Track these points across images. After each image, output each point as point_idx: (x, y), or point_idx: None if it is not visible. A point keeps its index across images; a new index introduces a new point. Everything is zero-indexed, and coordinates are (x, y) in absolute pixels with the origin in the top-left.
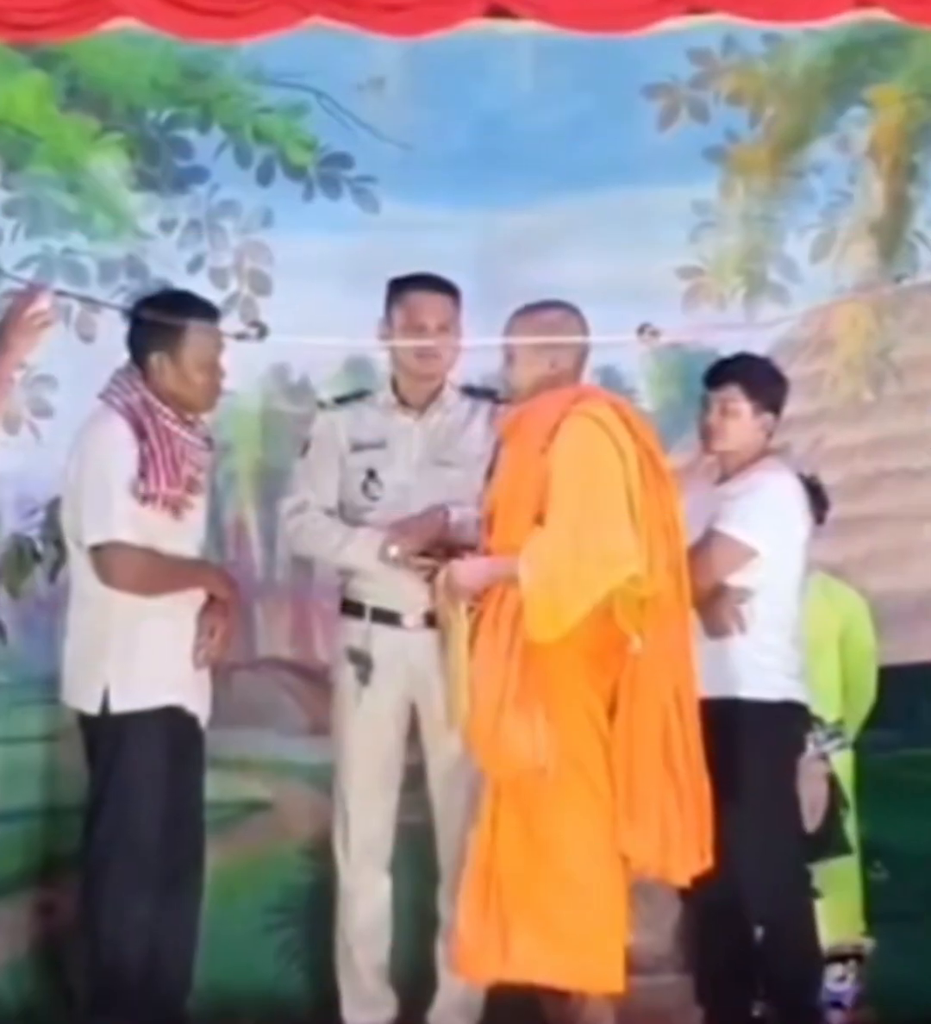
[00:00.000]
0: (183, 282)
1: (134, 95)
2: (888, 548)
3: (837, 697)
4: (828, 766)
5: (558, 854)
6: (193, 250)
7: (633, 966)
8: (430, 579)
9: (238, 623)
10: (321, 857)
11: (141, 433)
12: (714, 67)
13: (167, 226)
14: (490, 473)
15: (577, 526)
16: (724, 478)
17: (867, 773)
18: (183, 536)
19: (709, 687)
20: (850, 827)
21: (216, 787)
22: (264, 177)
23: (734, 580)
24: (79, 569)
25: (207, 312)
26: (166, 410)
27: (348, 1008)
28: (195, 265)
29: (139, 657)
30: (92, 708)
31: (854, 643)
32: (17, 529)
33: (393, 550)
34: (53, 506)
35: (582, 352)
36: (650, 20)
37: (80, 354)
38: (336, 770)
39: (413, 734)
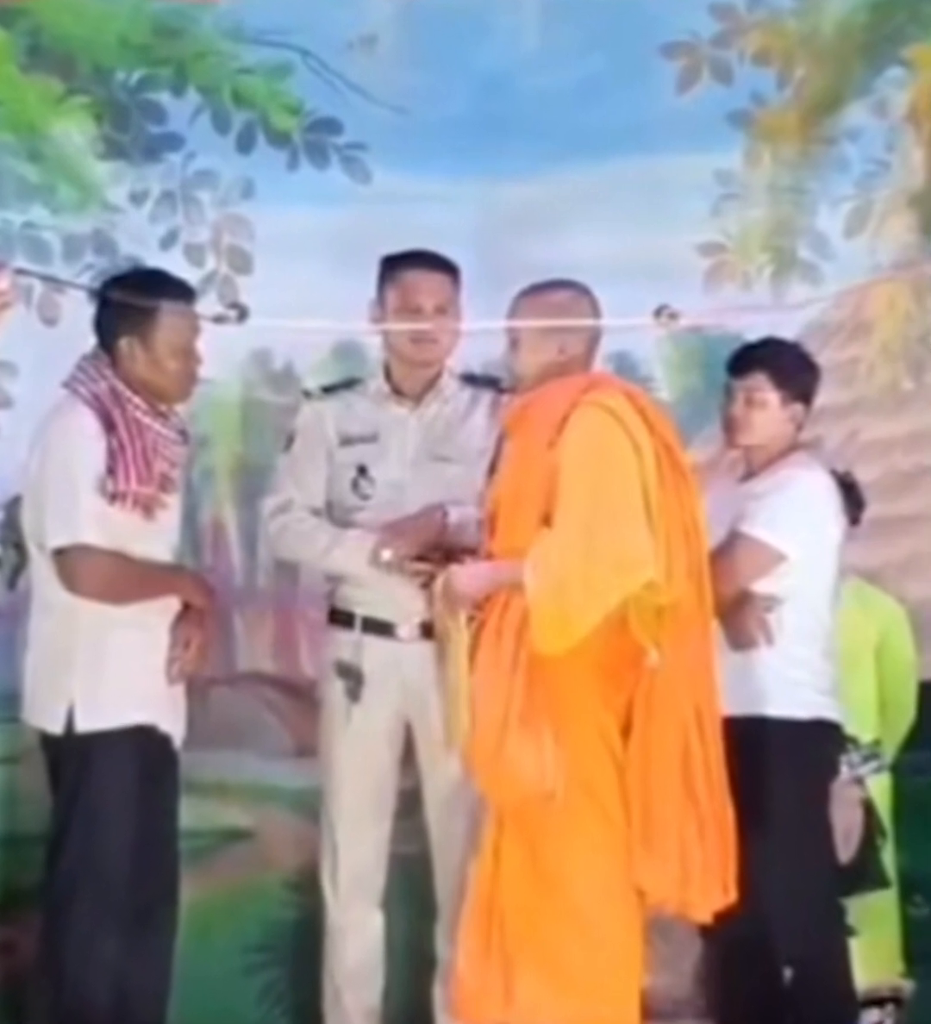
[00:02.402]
0: (155, 259)
1: (102, 54)
2: (929, 551)
3: (873, 715)
4: (863, 791)
5: (567, 887)
6: (166, 224)
7: (649, 1011)
8: (426, 586)
9: (216, 634)
10: (307, 891)
11: (109, 425)
12: (739, 23)
13: (138, 198)
14: (492, 469)
15: (588, 527)
16: (749, 475)
17: (906, 798)
18: (155, 538)
19: (733, 704)
20: (888, 858)
21: (192, 814)
22: (244, 144)
23: (760, 587)
24: (41, 575)
25: (182, 292)
26: (137, 400)
27: None
28: (169, 241)
29: (107, 671)
30: (56, 727)
31: (892, 655)
32: None
33: (386, 554)
34: (13, 505)
35: (593, 336)
36: None
37: (42, 339)
38: (323, 795)
39: (408, 756)
